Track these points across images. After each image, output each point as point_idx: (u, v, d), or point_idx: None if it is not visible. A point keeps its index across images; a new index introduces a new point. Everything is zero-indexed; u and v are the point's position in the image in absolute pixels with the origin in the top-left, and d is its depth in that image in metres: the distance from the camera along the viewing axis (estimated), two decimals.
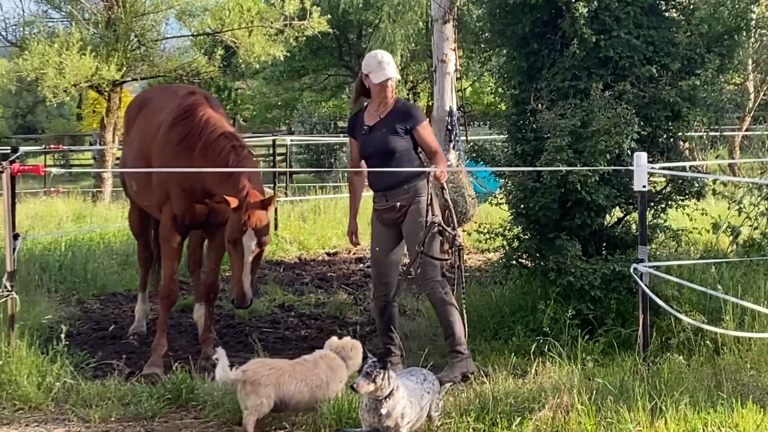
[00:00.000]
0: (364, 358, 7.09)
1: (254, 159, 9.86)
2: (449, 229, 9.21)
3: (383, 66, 9.22)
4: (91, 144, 42.12)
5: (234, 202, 9.04)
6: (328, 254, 17.29)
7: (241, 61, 30.34)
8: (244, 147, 9.62)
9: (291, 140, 25.03)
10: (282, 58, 30.00)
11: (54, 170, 12.78)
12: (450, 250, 9.42)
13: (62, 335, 8.96)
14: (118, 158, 29.24)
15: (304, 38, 30.26)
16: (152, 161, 10.06)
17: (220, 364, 7.60)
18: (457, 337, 9.11)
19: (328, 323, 11.59)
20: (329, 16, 30.39)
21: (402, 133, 9.21)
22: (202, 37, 31.76)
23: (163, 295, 10.08)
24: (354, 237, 9.86)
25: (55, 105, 30.31)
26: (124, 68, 27.31)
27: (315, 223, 19.16)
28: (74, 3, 28.98)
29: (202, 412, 8.15)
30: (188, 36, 32.24)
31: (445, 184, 9.28)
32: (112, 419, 8.03)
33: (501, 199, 11.00)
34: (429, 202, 9.06)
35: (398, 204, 9.23)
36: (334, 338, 8.23)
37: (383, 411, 6.85)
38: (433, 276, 9.24)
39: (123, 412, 8.14)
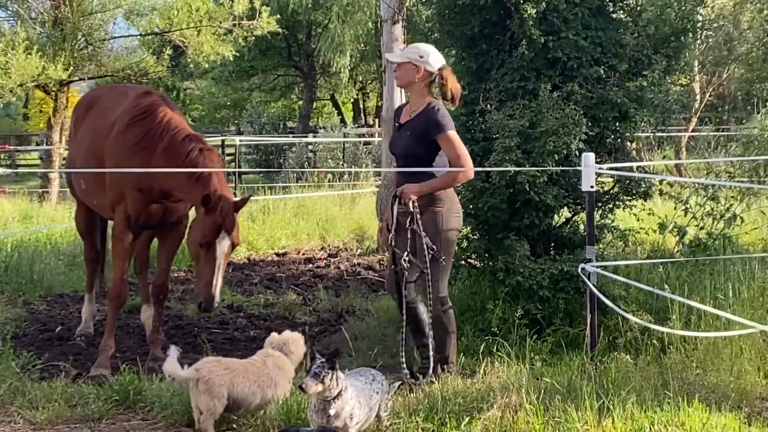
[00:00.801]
0: (313, 358, 7.06)
1: (222, 161, 9.75)
2: (417, 262, 8.62)
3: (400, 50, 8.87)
4: (37, 144, 41.80)
5: (206, 200, 8.91)
6: (277, 255, 17.26)
7: (189, 60, 30.15)
8: (211, 150, 9.56)
9: (240, 140, 25.02)
10: (231, 58, 29.90)
11: (0, 170, 12.67)
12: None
13: (8, 336, 8.90)
14: (65, 158, 29.03)
15: (254, 38, 30.15)
16: (105, 161, 9.96)
17: (171, 358, 7.56)
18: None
19: (277, 324, 11.54)
20: (278, 16, 30.33)
21: (423, 140, 8.62)
22: (150, 36, 31.52)
23: (112, 296, 9.98)
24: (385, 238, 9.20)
25: (1, 105, 29.99)
26: (72, 68, 27.07)
27: (264, 223, 19.11)
28: (20, 2, 28.70)
29: (150, 414, 8.09)
30: (136, 36, 32.00)
31: (411, 207, 8.53)
32: (59, 421, 7.95)
33: None
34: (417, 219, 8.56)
35: (413, 209, 8.58)
36: (274, 334, 8.19)
37: (332, 412, 6.83)
38: (436, 292, 8.63)
39: (70, 414, 8.06)
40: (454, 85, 8.75)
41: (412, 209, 8.50)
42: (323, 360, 6.79)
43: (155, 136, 9.61)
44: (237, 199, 9.38)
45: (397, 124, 9.02)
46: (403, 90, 15.90)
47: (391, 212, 8.74)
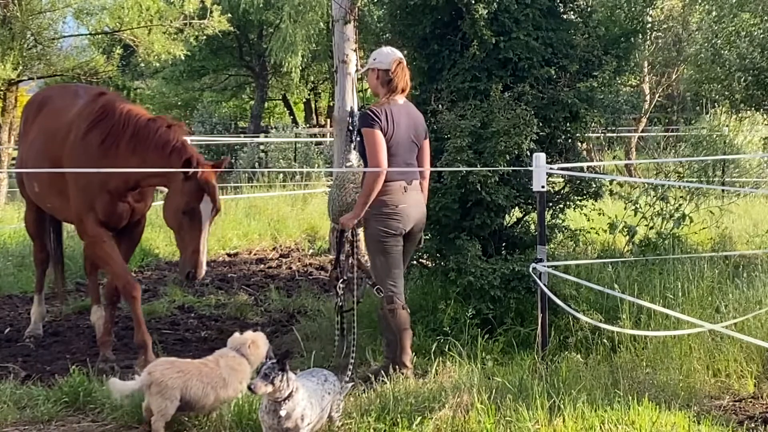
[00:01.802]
0: (267, 358, 7.04)
1: (189, 132, 9.71)
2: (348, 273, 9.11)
3: None
4: None
5: (191, 159, 8.94)
6: (229, 255, 17.20)
7: (140, 60, 29.97)
8: (178, 124, 9.61)
9: (191, 140, 24.83)
10: (182, 58, 29.72)
11: None
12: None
13: None
14: (14, 159, 28.76)
15: (205, 37, 30.04)
16: (64, 166, 9.87)
17: (112, 380, 7.57)
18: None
19: (228, 324, 11.51)
20: (230, 15, 30.17)
21: (359, 135, 8.97)
22: (100, 36, 31.30)
23: (126, 295, 9.71)
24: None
25: None
26: (21, 67, 26.81)
27: (215, 223, 19.01)
28: None
29: (101, 415, 8.03)
30: (86, 35, 31.75)
31: (350, 236, 9.08)
32: (8, 423, 7.87)
33: None
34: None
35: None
36: (236, 334, 8.17)
37: (282, 413, 6.81)
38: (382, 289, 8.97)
39: (19, 416, 7.99)
40: (401, 78, 8.94)
41: (351, 237, 9.05)
42: (273, 361, 6.78)
43: (118, 130, 9.58)
44: (213, 161, 9.38)
45: None
46: (347, 90, 15.94)
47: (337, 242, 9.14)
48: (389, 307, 8.86)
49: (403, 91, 8.99)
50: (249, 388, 6.81)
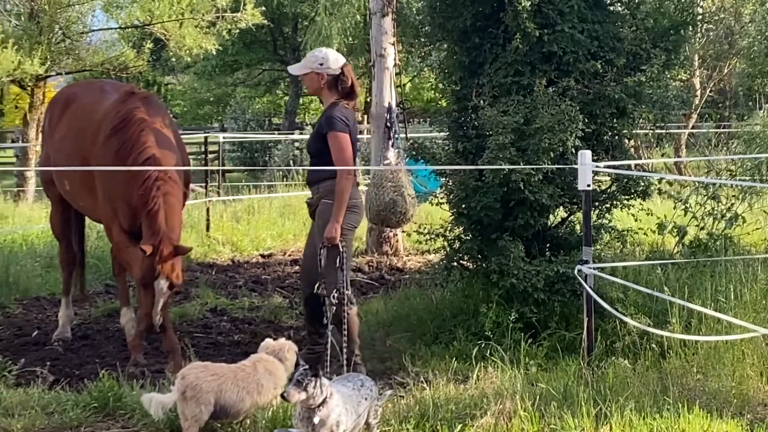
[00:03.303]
0: (297, 365, 7.06)
1: (178, 188, 9.87)
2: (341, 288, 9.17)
3: (301, 61, 9.81)
4: (13, 141, 41.62)
5: (148, 249, 9.26)
6: (263, 256, 17.23)
7: (171, 54, 30.11)
8: (166, 179, 9.72)
9: (224, 137, 24.91)
10: (214, 52, 29.78)
11: None
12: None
13: None
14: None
15: (238, 31, 30.07)
16: (91, 165, 10.02)
17: (146, 397, 7.60)
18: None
19: (262, 328, 11.53)
20: (263, 8, 30.29)
21: (319, 138, 9.42)
22: (130, 29, 31.54)
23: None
24: None
25: None
26: (48, 62, 26.97)
27: (249, 223, 19.10)
28: None
29: (131, 421, 8.07)
30: (115, 28, 32.04)
31: (339, 245, 9.13)
32: (36, 429, 7.92)
33: (442, 198, 11.03)
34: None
35: (310, 201, 9.59)
36: (269, 340, 8.19)
37: (316, 420, 6.82)
38: (305, 283, 9.60)
39: (47, 422, 8.03)
40: (354, 81, 9.56)
41: (341, 249, 9.09)
42: (306, 367, 6.79)
43: (126, 151, 9.83)
44: (179, 245, 9.68)
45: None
46: (385, 86, 15.95)
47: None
48: (347, 310, 9.14)
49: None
50: (282, 395, 6.83)
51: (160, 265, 9.34)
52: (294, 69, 9.78)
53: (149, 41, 28.81)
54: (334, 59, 9.46)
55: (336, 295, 9.00)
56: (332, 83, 9.43)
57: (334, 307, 9.06)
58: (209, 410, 7.40)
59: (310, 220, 9.75)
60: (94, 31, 30.77)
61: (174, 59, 32.63)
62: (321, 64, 9.39)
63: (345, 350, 9.02)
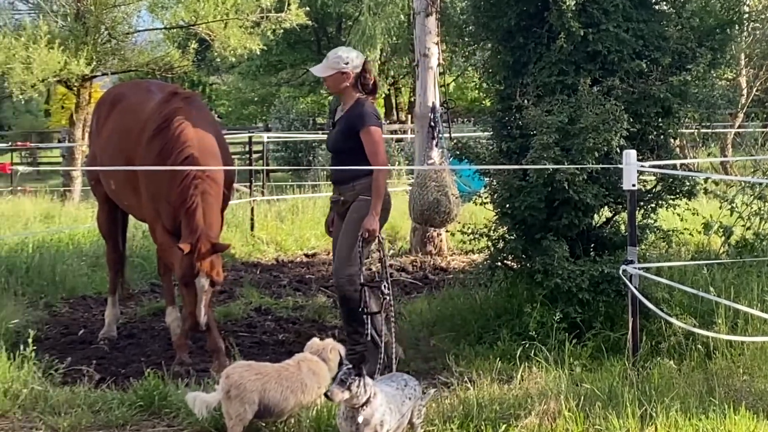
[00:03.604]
0: (340, 364, 7.07)
1: (217, 187, 9.92)
2: (383, 287, 9.53)
3: (323, 62, 9.86)
4: (59, 141, 41.98)
5: (186, 248, 9.34)
6: (307, 255, 17.27)
7: (216, 54, 30.24)
8: (204, 177, 9.79)
9: (268, 137, 25.07)
10: (258, 52, 29.85)
11: (21, 168, 12.77)
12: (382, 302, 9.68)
13: (30, 340, 8.90)
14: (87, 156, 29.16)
15: (282, 31, 30.15)
16: (135, 165, 10.11)
17: (191, 395, 7.62)
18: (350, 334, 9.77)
19: (306, 327, 11.55)
20: (308, 8, 30.37)
21: (350, 134, 9.60)
22: (175, 30, 31.65)
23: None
24: (329, 227, 10.30)
25: (22, 101, 30.14)
26: (94, 62, 27.15)
27: (293, 223, 19.15)
28: None
29: (176, 420, 8.11)
30: (161, 29, 32.13)
31: (381, 237, 9.71)
32: (82, 427, 7.99)
33: (486, 198, 10.99)
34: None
35: (342, 199, 9.73)
36: (315, 339, 8.21)
37: (360, 419, 6.83)
38: (341, 273, 9.67)
39: (93, 420, 8.09)
40: (375, 77, 9.89)
41: (381, 240, 9.69)
42: (350, 367, 6.81)
43: (167, 151, 9.91)
44: (217, 242, 9.76)
45: (332, 122, 10.00)
46: (429, 85, 15.95)
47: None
48: (351, 289, 9.57)
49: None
50: (325, 395, 6.85)
51: (199, 262, 9.40)
52: (318, 71, 9.88)
53: (194, 41, 28.94)
54: (356, 57, 9.72)
55: (383, 286, 9.39)
56: (355, 81, 9.69)
57: (385, 298, 9.41)
58: (253, 409, 7.42)
59: None
60: (139, 31, 30.93)
61: (218, 59, 32.72)
62: (346, 63, 9.60)
63: (384, 345, 9.18)
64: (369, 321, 9.32)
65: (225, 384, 7.44)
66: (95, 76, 29.39)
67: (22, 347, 8.92)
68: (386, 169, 9.61)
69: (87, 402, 8.38)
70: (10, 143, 32.85)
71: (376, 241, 9.59)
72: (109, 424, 8.05)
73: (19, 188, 26.92)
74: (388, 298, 9.48)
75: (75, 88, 28.64)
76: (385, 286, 9.49)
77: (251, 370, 7.59)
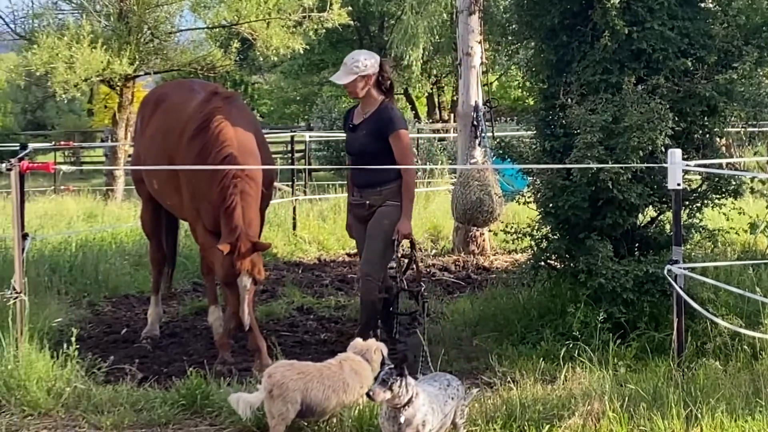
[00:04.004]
0: (382, 364, 7.07)
1: (256, 186, 9.95)
2: (412, 284, 10.00)
3: (341, 69, 9.91)
4: (102, 140, 42.15)
5: (225, 249, 9.37)
6: (349, 255, 17.24)
7: (258, 54, 30.32)
8: (243, 176, 9.81)
9: (310, 136, 25.03)
10: (301, 51, 29.93)
11: (64, 168, 12.87)
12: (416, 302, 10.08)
13: (73, 339, 8.96)
14: (130, 155, 29.31)
15: (324, 30, 30.20)
16: (176, 164, 10.17)
17: (233, 396, 7.64)
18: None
19: (348, 327, 11.55)
20: (350, 7, 30.40)
21: (379, 138, 9.76)
22: (217, 29, 31.76)
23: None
24: (351, 230, 10.47)
25: (65, 100, 30.37)
26: (137, 62, 27.33)
27: (335, 222, 19.14)
28: None
29: (218, 419, 8.14)
30: (203, 28, 32.27)
31: (414, 239, 10.07)
32: (125, 426, 8.03)
33: (529, 197, 10.98)
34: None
35: (368, 202, 9.89)
36: (359, 339, 8.22)
37: (402, 419, 6.83)
38: (374, 278, 9.83)
39: (135, 419, 8.14)
40: (391, 76, 10.09)
41: (414, 244, 10.11)
42: (392, 366, 6.81)
43: (207, 151, 9.95)
44: (257, 241, 9.79)
45: (350, 125, 10.02)
46: (472, 84, 15.94)
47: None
48: (383, 296, 9.85)
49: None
50: (367, 394, 6.85)
51: (240, 262, 9.42)
52: (339, 78, 9.93)
53: (236, 41, 29.06)
54: (373, 59, 9.88)
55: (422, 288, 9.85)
56: (375, 83, 9.87)
57: (424, 301, 9.78)
58: (296, 409, 7.43)
59: None
60: (182, 30, 31.08)
61: (261, 59, 32.79)
62: (365, 67, 9.74)
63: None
64: (397, 325, 9.56)
65: (267, 383, 7.45)
66: (138, 76, 29.55)
67: (65, 346, 8.96)
68: (414, 169, 9.86)
69: (129, 401, 8.43)
70: (53, 142, 32.96)
71: (408, 244, 9.82)
72: (152, 422, 8.09)
73: (62, 187, 27.01)
74: (427, 302, 9.80)
75: (118, 88, 28.82)
76: (423, 288, 9.79)
77: (293, 370, 7.60)
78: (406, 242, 9.99)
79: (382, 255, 9.78)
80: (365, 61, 9.73)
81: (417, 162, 29.98)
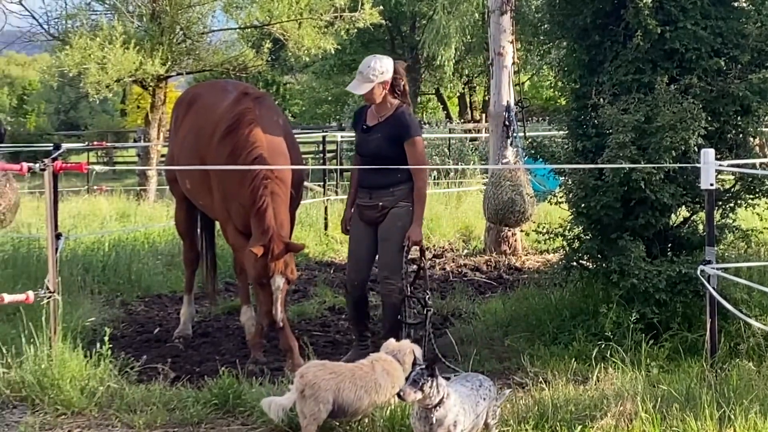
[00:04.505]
0: (414, 364, 7.07)
1: (285, 188, 9.97)
2: (419, 292, 10.05)
3: (357, 77, 9.81)
4: (135, 141, 42.37)
5: (258, 251, 9.41)
6: None
7: (290, 54, 30.40)
8: (273, 177, 9.84)
9: (342, 136, 25.02)
10: (332, 52, 29.98)
11: (97, 168, 12.90)
12: (421, 312, 10.04)
13: (106, 338, 9.00)
14: (163, 155, 29.42)
15: (356, 30, 30.25)
16: (207, 164, 10.21)
17: (273, 405, 7.65)
18: None
19: (379, 327, 11.54)
20: (381, 7, 30.39)
21: (395, 143, 9.72)
22: (249, 29, 31.85)
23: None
24: (346, 225, 10.37)
25: (98, 101, 30.51)
26: (169, 63, 27.43)
27: None
28: None
29: (250, 418, 8.15)
30: (235, 29, 32.32)
31: (423, 247, 10.17)
32: (157, 425, 8.05)
33: (561, 197, 10.95)
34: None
35: (380, 204, 9.81)
36: (392, 340, 8.23)
37: (434, 420, 6.83)
38: (396, 280, 9.84)
39: (168, 418, 8.16)
40: (405, 80, 9.99)
41: (423, 250, 10.21)
42: (423, 367, 6.81)
43: (237, 152, 9.96)
44: (290, 242, 9.86)
45: (364, 126, 9.99)
46: (503, 84, 15.92)
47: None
48: (401, 297, 9.87)
49: None
50: (398, 395, 6.85)
51: (273, 263, 9.45)
52: (356, 88, 9.82)
53: (268, 41, 29.12)
54: (388, 63, 9.79)
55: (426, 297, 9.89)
56: (390, 86, 9.81)
57: (429, 309, 9.81)
58: (328, 409, 7.44)
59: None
60: (214, 31, 31.15)
61: (292, 59, 32.84)
62: (382, 73, 9.69)
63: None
64: (405, 331, 9.60)
65: (299, 383, 7.46)
66: (170, 76, 29.67)
67: (98, 345, 9.01)
68: (427, 176, 10.02)
69: (162, 400, 8.45)
70: (86, 143, 33.14)
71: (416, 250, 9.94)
72: (184, 422, 8.11)
73: (95, 187, 27.18)
74: (432, 309, 9.87)
75: (150, 88, 28.93)
76: (428, 297, 9.83)
77: (326, 370, 7.61)
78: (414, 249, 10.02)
79: (398, 258, 9.80)
80: (381, 67, 9.68)
81: (448, 162, 30.00)
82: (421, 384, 6.70)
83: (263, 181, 9.68)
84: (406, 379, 6.88)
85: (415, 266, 10.31)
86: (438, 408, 6.82)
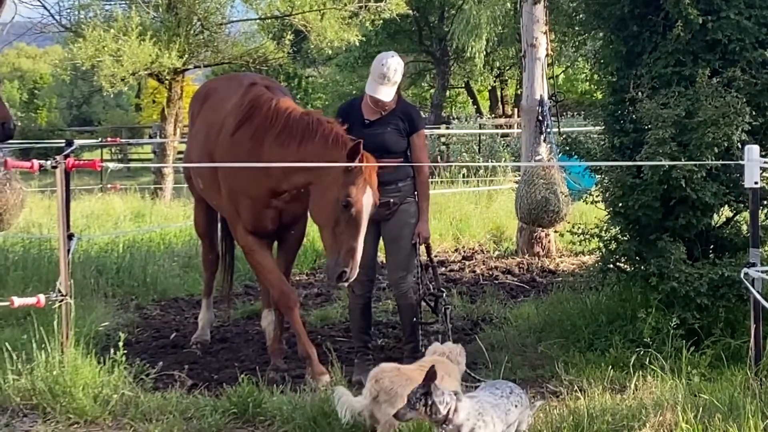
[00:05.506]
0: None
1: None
2: (432, 287, 10.12)
3: (379, 81, 9.75)
4: (150, 137, 42.54)
5: (350, 157, 9.05)
6: None
7: (312, 46, 30.47)
8: (330, 121, 9.67)
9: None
10: (357, 43, 30.01)
11: (111, 165, 12.86)
12: (437, 310, 10.07)
13: (120, 343, 9.02)
14: (180, 152, 29.49)
15: (381, 21, 30.26)
16: (215, 162, 10.16)
17: (342, 401, 7.62)
18: (414, 345, 9.94)
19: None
20: None
21: (403, 135, 9.86)
22: (270, 20, 31.90)
23: (283, 306, 10.00)
24: None
25: (112, 95, 30.63)
26: (186, 55, 27.51)
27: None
28: None
29: (271, 428, 8.17)
30: (255, 20, 32.41)
31: (431, 243, 10.37)
32: None
33: (597, 196, 10.93)
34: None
35: (391, 200, 9.79)
36: (437, 344, 8.25)
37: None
38: (409, 279, 9.91)
39: (185, 427, 8.18)
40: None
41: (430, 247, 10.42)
42: (419, 386, 6.80)
43: (266, 127, 9.76)
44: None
45: (365, 121, 9.89)
46: (537, 77, 15.91)
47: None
48: (417, 297, 9.94)
49: None
50: (395, 415, 6.87)
51: (368, 174, 9.16)
52: (388, 96, 9.76)
53: (289, 32, 29.15)
54: (398, 59, 9.94)
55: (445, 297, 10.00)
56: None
57: (446, 308, 9.86)
58: None
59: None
60: (233, 22, 31.22)
61: (315, 51, 32.89)
62: (401, 73, 9.93)
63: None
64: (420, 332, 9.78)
65: (374, 388, 7.45)
66: (187, 69, 29.73)
67: (112, 351, 9.03)
68: (429, 168, 10.24)
69: (179, 408, 8.47)
70: (99, 139, 33.26)
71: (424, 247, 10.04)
72: (202, 431, 8.12)
73: (108, 186, 27.24)
74: (449, 308, 9.92)
75: (166, 82, 29.01)
76: (444, 297, 9.93)
77: (401, 375, 7.59)
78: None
79: (411, 256, 9.87)
80: (400, 68, 9.84)
81: (478, 159, 29.98)
82: (413, 403, 6.71)
83: (321, 123, 9.55)
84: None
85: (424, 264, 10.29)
86: (447, 425, 6.79)
